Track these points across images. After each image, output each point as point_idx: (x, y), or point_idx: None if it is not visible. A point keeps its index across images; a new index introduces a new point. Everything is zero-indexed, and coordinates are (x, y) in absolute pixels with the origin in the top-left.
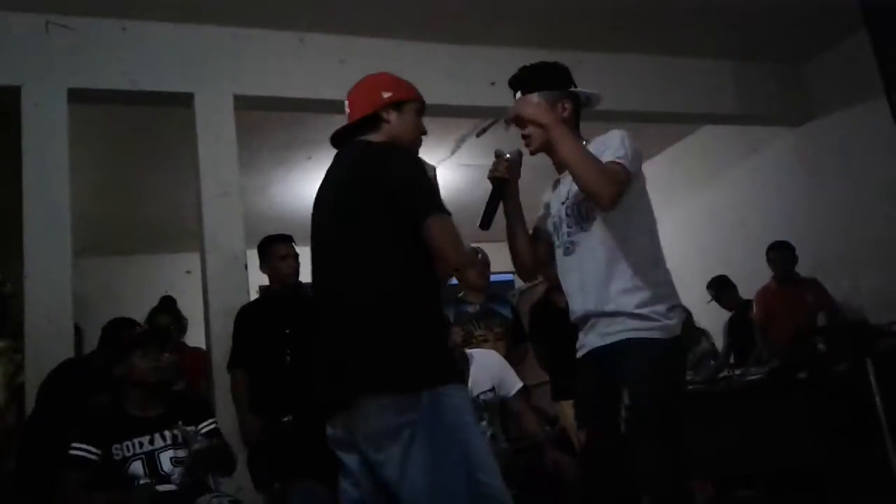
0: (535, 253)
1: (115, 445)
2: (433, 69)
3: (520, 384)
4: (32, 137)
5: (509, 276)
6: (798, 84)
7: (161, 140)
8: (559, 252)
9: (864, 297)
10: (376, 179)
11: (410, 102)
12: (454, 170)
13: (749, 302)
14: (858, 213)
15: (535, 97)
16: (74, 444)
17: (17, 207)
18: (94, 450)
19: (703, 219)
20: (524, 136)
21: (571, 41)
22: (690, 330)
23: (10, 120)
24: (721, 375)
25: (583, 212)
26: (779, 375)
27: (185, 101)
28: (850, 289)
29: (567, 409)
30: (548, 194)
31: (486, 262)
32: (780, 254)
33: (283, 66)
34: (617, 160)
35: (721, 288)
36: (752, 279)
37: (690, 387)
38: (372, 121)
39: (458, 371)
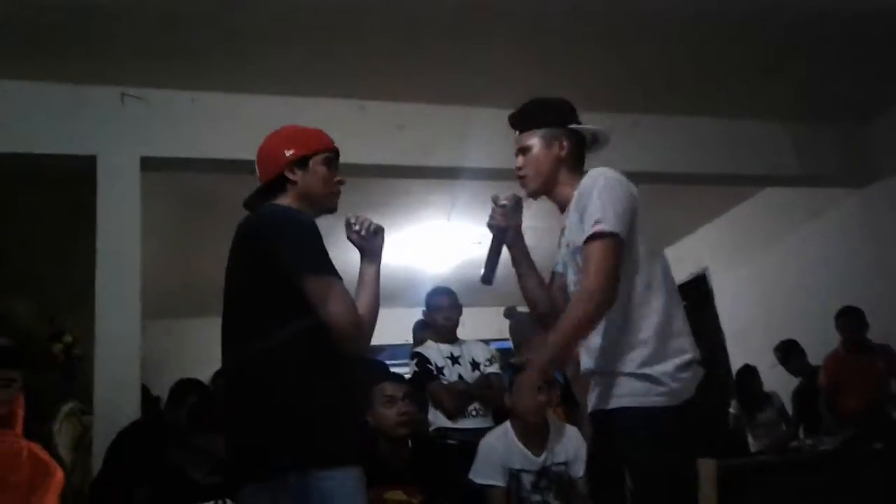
0: (551, 297)
1: None
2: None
3: None
4: (106, 204)
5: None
6: (860, 144)
7: (226, 206)
8: None
9: None
10: (254, 247)
11: (316, 155)
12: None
13: (818, 369)
14: None
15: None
16: None
17: (91, 271)
18: None
19: (766, 282)
20: (520, 177)
21: (627, 103)
22: (724, 391)
23: (87, 187)
24: (792, 445)
25: (578, 262)
26: (853, 445)
27: (249, 167)
28: None
29: None
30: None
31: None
32: (850, 320)
33: (343, 132)
34: (595, 230)
35: (790, 353)
36: (818, 345)
37: (761, 457)
38: (280, 182)
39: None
